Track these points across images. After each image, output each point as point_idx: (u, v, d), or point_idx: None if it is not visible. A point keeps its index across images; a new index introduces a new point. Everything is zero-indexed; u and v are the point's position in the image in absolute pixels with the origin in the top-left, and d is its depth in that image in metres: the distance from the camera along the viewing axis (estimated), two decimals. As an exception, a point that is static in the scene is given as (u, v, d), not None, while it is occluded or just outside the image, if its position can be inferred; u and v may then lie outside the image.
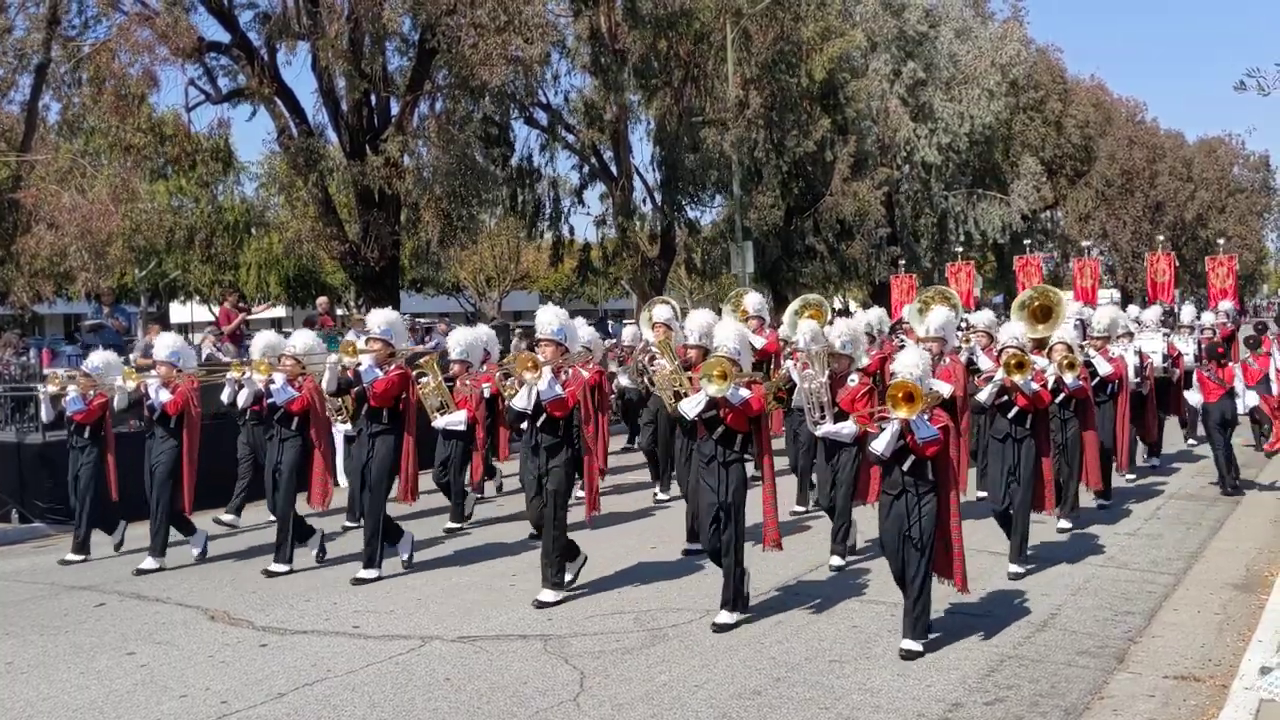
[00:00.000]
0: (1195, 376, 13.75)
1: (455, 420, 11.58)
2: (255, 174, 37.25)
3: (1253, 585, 8.76)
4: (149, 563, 10.09)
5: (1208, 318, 18.73)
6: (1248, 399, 13.33)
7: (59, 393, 10.96)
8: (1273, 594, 7.93)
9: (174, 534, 10.54)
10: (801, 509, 11.65)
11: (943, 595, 7.65)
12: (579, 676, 6.82)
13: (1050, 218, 48.95)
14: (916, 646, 7.03)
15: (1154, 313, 17.23)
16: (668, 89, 27.12)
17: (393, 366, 9.60)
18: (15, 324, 28.65)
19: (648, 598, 8.61)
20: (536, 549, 8.61)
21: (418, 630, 7.90)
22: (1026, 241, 32.98)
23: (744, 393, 7.69)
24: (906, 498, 7.11)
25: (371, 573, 9.36)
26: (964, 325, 13.19)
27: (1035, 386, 9.09)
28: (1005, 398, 9.14)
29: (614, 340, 18.18)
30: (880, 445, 7.06)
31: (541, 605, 8.34)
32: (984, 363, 10.79)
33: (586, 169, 29.03)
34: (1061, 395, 10.28)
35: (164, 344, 10.70)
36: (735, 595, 7.82)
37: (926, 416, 7.04)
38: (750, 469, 8.08)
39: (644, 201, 29.26)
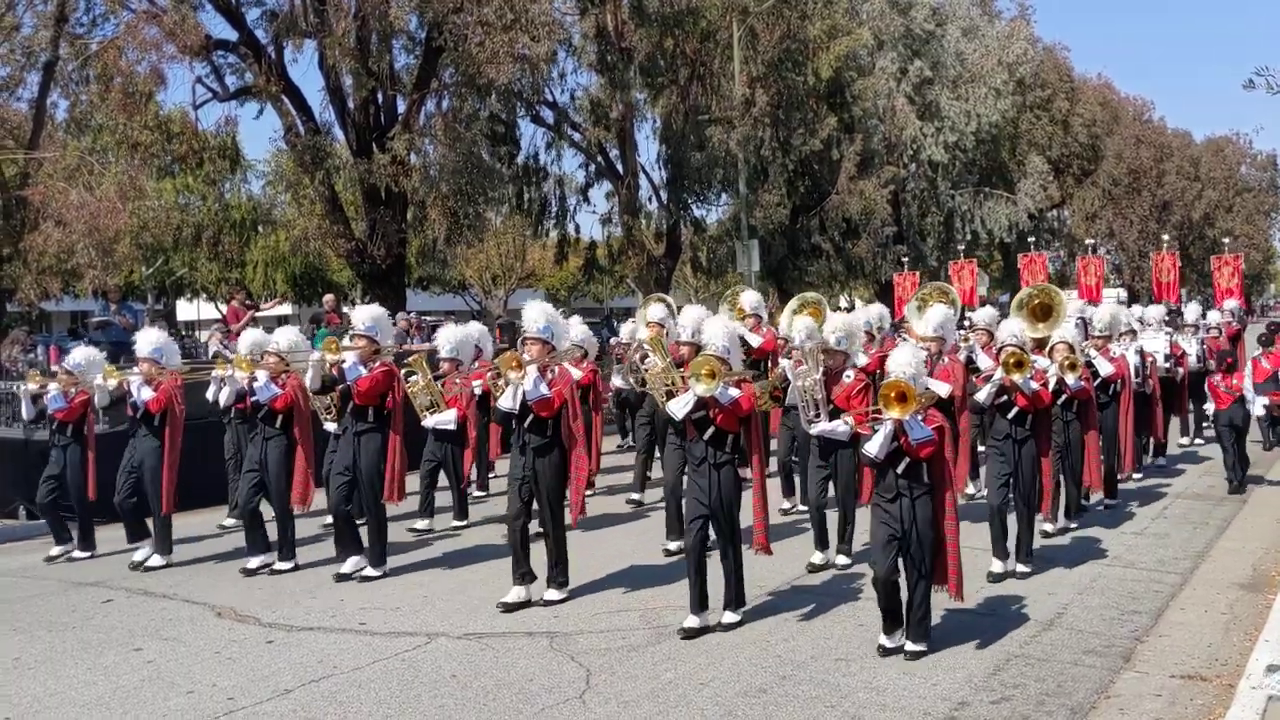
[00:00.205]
0: (1207, 385, 13.70)
1: (445, 419, 11.35)
2: (262, 172, 37.27)
3: (1260, 585, 8.74)
4: (155, 560, 10.10)
5: (1213, 317, 18.61)
6: (1258, 403, 13.28)
7: (39, 391, 10.74)
8: (1280, 594, 7.93)
9: (178, 532, 10.58)
10: (788, 505, 11.58)
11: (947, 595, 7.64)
12: (585, 674, 6.82)
13: (1057, 217, 48.93)
14: (920, 647, 7.01)
15: (1157, 311, 17.14)
16: (674, 87, 27.13)
17: (378, 364, 9.39)
18: (23, 321, 28.70)
19: (653, 596, 8.60)
20: (543, 546, 8.57)
21: (424, 627, 7.91)
22: (1030, 239, 32.91)
23: (733, 392, 7.54)
24: (901, 502, 6.96)
25: (379, 570, 9.38)
26: (968, 324, 13.14)
27: (1035, 386, 8.98)
28: (1005, 398, 9.02)
29: (618, 340, 18.13)
30: (873, 447, 6.92)
31: (548, 604, 8.34)
32: (983, 361, 10.65)
33: (592, 167, 29.05)
34: (1064, 396, 10.22)
35: (147, 340, 10.42)
36: (736, 595, 7.82)
37: (920, 417, 6.92)
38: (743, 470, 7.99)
39: (649, 200, 29.29)
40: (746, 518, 7.98)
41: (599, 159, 28.52)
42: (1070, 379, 10.11)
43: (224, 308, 29.59)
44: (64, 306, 32.52)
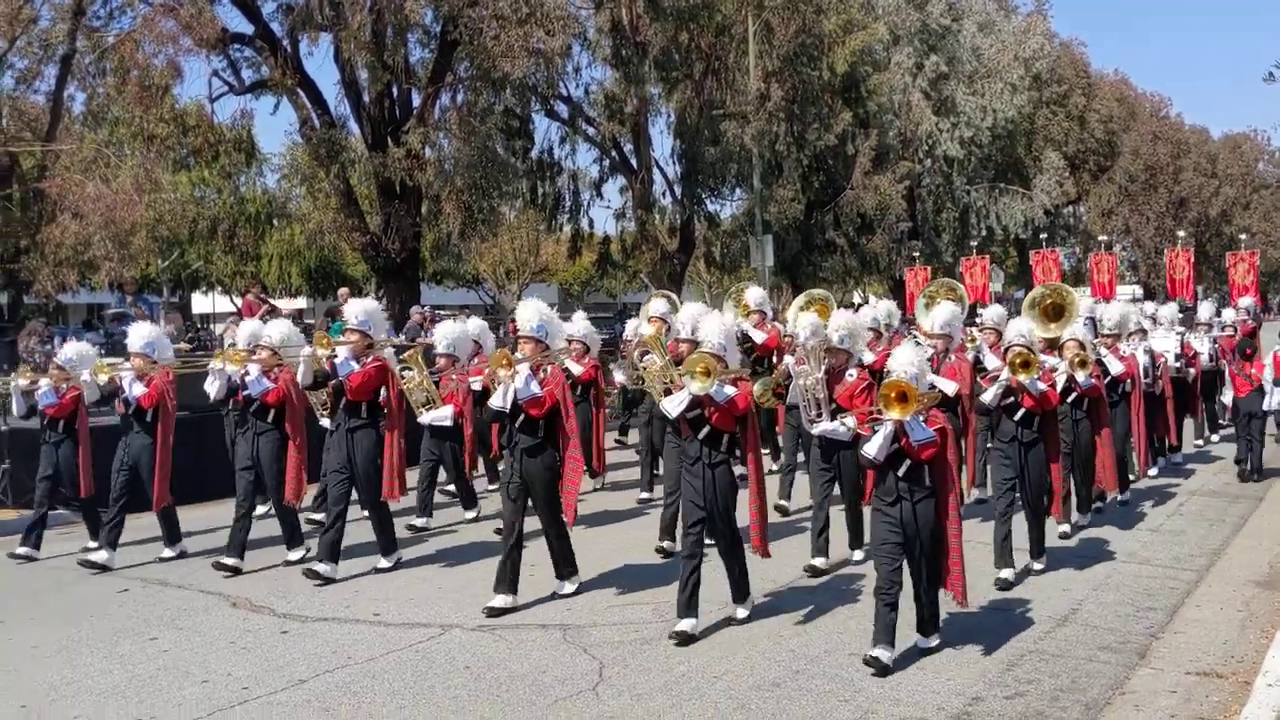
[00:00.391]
0: (1228, 374, 13.58)
1: (441, 415, 11.18)
2: (277, 165, 37.42)
3: (1275, 582, 8.70)
4: (167, 551, 10.12)
5: (1229, 314, 18.43)
6: (1275, 396, 13.18)
7: (30, 386, 10.59)
8: (1296, 591, 7.89)
9: (194, 524, 10.60)
10: (784, 502, 11.47)
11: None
12: (598, 666, 6.83)
13: (1073, 213, 48.73)
14: (932, 643, 7.00)
15: (1170, 310, 16.95)
16: (688, 82, 27.12)
17: (370, 359, 9.24)
18: (40, 313, 28.88)
19: (666, 589, 8.58)
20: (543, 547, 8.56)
21: (438, 619, 7.93)
22: (1043, 236, 32.68)
23: (729, 390, 7.35)
24: (902, 505, 6.79)
25: (391, 560, 9.40)
26: (978, 320, 13.02)
27: (1042, 386, 8.79)
28: (1012, 399, 8.82)
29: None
30: (872, 449, 6.74)
31: (561, 596, 8.35)
32: (991, 361, 10.38)
33: (606, 162, 29.09)
34: (1074, 395, 10.11)
35: (138, 335, 10.18)
36: (743, 591, 7.80)
37: (922, 418, 6.75)
38: (738, 469, 7.87)
39: (664, 194, 29.32)
40: (744, 518, 7.94)
41: (613, 153, 28.54)
42: (1080, 376, 9.97)
43: (239, 301, 29.72)
44: (80, 299, 32.68)
